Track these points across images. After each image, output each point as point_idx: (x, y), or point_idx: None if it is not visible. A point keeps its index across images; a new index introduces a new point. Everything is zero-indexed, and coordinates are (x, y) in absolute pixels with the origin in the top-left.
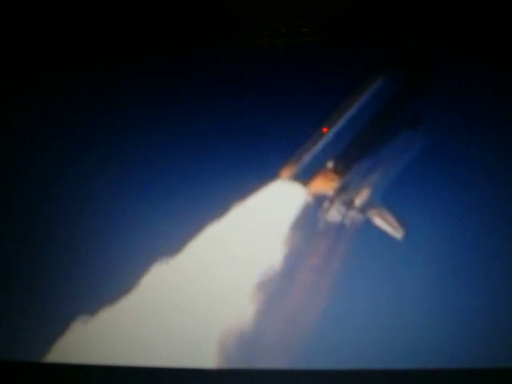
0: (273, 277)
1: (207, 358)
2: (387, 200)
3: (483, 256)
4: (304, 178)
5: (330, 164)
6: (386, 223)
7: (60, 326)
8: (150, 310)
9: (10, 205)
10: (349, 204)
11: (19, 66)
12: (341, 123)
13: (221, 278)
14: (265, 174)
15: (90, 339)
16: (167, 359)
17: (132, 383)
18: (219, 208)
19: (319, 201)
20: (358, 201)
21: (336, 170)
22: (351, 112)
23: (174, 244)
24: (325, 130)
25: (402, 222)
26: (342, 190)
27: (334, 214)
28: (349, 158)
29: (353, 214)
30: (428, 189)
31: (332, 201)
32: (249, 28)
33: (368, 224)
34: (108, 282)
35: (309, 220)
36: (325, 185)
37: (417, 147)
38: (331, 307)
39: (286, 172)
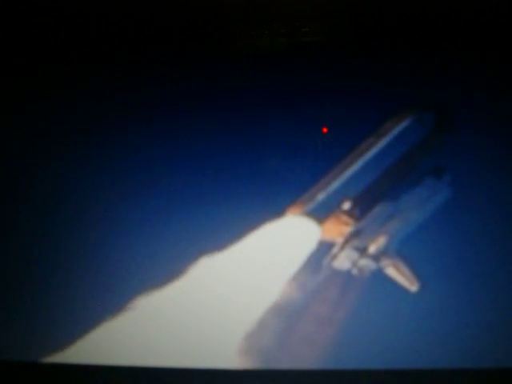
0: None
1: (209, 359)
2: (403, 250)
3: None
4: (318, 215)
5: (346, 205)
6: (400, 275)
7: (63, 326)
8: (155, 311)
9: (16, 205)
10: (362, 251)
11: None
12: (361, 163)
13: (230, 302)
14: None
15: (93, 339)
16: (170, 359)
17: (134, 383)
18: (233, 234)
19: (328, 245)
20: (373, 248)
21: (351, 213)
22: (373, 152)
23: (181, 252)
24: (324, 130)
25: (417, 274)
26: (355, 234)
27: (344, 260)
28: (367, 202)
29: (364, 261)
30: (447, 242)
31: (343, 246)
32: (249, 28)
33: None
34: (113, 283)
35: (315, 266)
36: (337, 230)
37: (439, 198)
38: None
39: (299, 208)
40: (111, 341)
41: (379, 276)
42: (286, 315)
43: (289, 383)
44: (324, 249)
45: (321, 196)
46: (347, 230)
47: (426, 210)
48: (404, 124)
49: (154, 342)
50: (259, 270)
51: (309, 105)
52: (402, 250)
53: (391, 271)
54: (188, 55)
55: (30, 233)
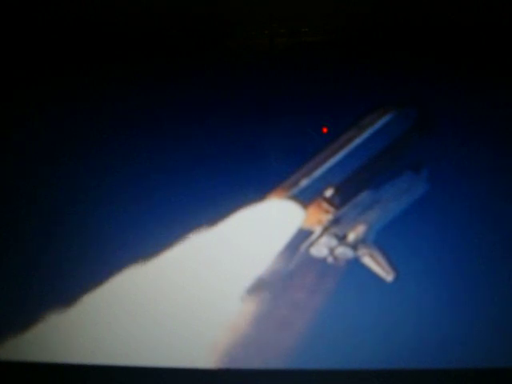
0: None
1: (206, 358)
2: (380, 240)
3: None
4: (301, 199)
5: (328, 192)
6: (376, 264)
7: (54, 325)
8: (148, 311)
9: None
10: (341, 238)
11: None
12: (344, 152)
13: (209, 285)
14: (263, 185)
15: (89, 339)
16: (166, 359)
17: (131, 383)
18: (216, 216)
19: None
20: (352, 236)
21: (332, 201)
22: (356, 143)
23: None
24: (325, 130)
25: (394, 264)
26: (335, 222)
27: (322, 247)
28: (348, 191)
29: (342, 249)
30: (424, 234)
31: (322, 233)
32: (249, 28)
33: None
34: (106, 283)
35: (291, 252)
36: (316, 217)
37: (416, 192)
38: (330, 308)
39: (282, 193)
40: (110, 341)
41: (356, 267)
42: (262, 301)
43: (287, 383)
44: (301, 236)
45: (304, 182)
46: (327, 217)
47: (403, 202)
48: (387, 118)
49: (151, 342)
50: (242, 252)
51: (308, 103)
52: (379, 241)
53: (367, 260)
54: (188, 55)
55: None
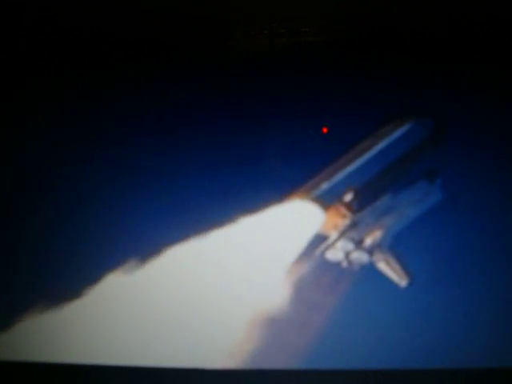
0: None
1: (208, 358)
2: (395, 245)
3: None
4: (321, 202)
5: (348, 196)
6: (391, 270)
7: (54, 325)
8: (152, 310)
9: None
10: (357, 242)
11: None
12: (362, 160)
13: (221, 285)
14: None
15: (89, 339)
16: (168, 359)
17: (132, 383)
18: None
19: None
20: (369, 241)
21: (350, 206)
22: (374, 151)
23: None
24: (325, 130)
25: (408, 269)
26: (352, 226)
27: (338, 250)
28: (366, 196)
29: (358, 254)
30: (438, 241)
31: (339, 236)
32: (249, 28)
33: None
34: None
35: (307, 255)
36: (333, 222)
37: (431, 200)
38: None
39: (303, 194)
40: (112, 341)
41: (371, 272)
42: (275, 302)
43: (287, 383)
44: (317, 239)
45: (324, 185)
46: (343, 222)
47: (418, 209)
48: (404, 128)
49: (154, 342)
50: (260, 252)
51: (307, 103)
52: (394, 247)
53: (382, 266)
54: (188, 55)
55: None
